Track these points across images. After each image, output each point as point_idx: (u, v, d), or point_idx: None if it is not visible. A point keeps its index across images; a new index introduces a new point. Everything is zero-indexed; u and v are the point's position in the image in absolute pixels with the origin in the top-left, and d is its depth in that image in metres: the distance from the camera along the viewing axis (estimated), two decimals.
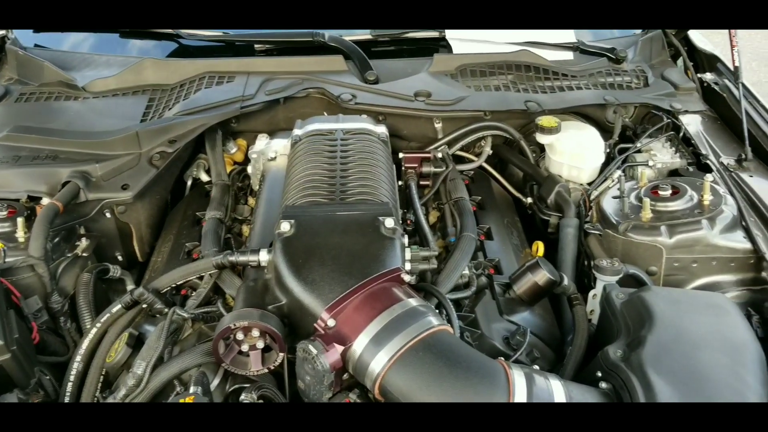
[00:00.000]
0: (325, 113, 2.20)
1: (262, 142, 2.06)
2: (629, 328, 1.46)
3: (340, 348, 1.36)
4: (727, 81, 2.37)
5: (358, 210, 1.60)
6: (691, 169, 2.12)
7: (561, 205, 2.03)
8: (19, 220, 1.74)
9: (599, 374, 1.41)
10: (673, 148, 2.18)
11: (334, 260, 1.46)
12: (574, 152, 2.09)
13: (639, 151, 2.17)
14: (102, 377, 1.57)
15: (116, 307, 1.61)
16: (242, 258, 1.54)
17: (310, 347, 1.35)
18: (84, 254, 1.83)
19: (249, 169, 2.11)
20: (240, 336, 1.41)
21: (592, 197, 2.04)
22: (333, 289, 1.41)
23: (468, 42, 2.44)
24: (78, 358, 1.59)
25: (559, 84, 2.33)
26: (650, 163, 2.13)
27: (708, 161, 2.07)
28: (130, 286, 1.92)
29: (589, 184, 2.11)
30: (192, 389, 1.31)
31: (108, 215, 1.94)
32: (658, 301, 1.48)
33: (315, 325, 1.39)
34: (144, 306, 1.62)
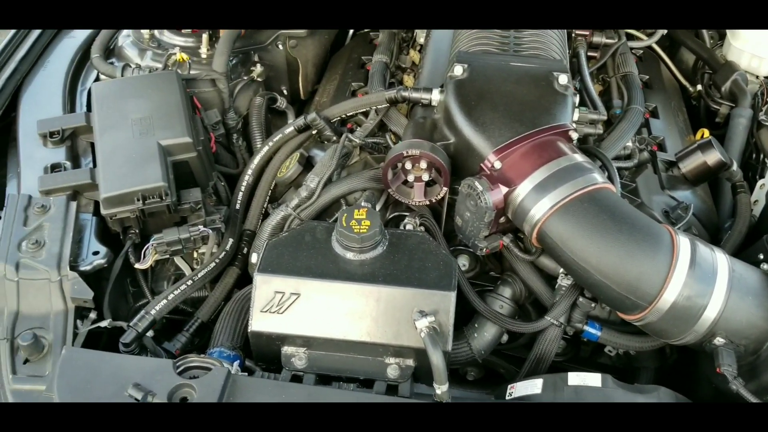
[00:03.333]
0: None
1: None
2: None
3: (504, 189, 1.40)
4: None
5: (532, 63, 1.59)
6: None
7: (736, 94, 1.92)
8: (204, 37, 1.84)
9: (761, 256, 1.38)
10: None
11: (505, 106, 1.47)
12: (759, 40, 1.95)
13: None
14: (270, 191, 1.69)
15: (288, 129, 1.70)
16: (415, 94, 1.57)
17: (476, 183, 1.39)
18: (258, 79, 1.92)
19: None
20: (408, 165, 1.47)
21: None
22: (502, 133, 1.43)
23: None
24: (249, 171, 1.71)
25: None
26: None
27: None
28: (291, 120, 2.02)
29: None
30: (363, 204, 1.39)
31: (280, 47, 2.01)
32: None
33: (481, 165, 1.43)
34: (314, 132, 1.71)
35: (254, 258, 1.38)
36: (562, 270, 1.46)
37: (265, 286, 1.28)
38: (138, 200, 1.42)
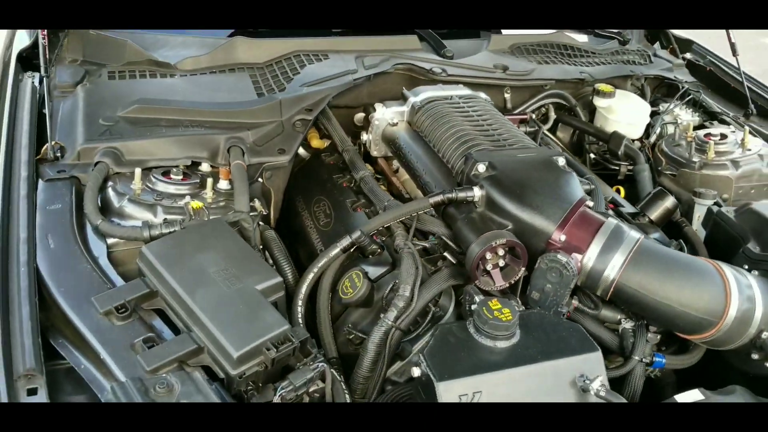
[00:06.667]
0: (403, 88, 2.40)
1: (380, 110, 2.22)
2: (756, 231, 1.85)
3: (578, 256, 1.62)
4: (711, 58, 2.91)
5: (532, 152, 1.86)
6: (708, 124, 2.60)
7: (631, 154, 2.41)
8: (209, 181, 1.78)
9: (746, 267, 1.78)
10: (691, 109, 2.66)
11: (542, 189, 1.71)
12: (630, 111, 2.50)
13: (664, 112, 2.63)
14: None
15: (334, 251, 1.72)
16: (461, 194, 1.73)
17: (558, 256, 1.59)
18: (263, 212, 1.89)
19: (363, 136, 2.26)
20: (488, 255, 1.61)
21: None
22: (555, 211, 1.66)
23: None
24: (300, 302, 1.68)
25: (589, 60, 2.74)
26: (679, 120, 2.59)
27: (724, 117, 2.57)
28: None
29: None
30: (478, 299, 1.49)
31: (260, 180, 2.00)
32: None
33: (549, 240, 1.64)
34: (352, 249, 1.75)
35: (416, 372, 1.39)
36: (620, 316, 1.72)
37: (449, 394, 1.32)
38: (269, 349, 1.35)
